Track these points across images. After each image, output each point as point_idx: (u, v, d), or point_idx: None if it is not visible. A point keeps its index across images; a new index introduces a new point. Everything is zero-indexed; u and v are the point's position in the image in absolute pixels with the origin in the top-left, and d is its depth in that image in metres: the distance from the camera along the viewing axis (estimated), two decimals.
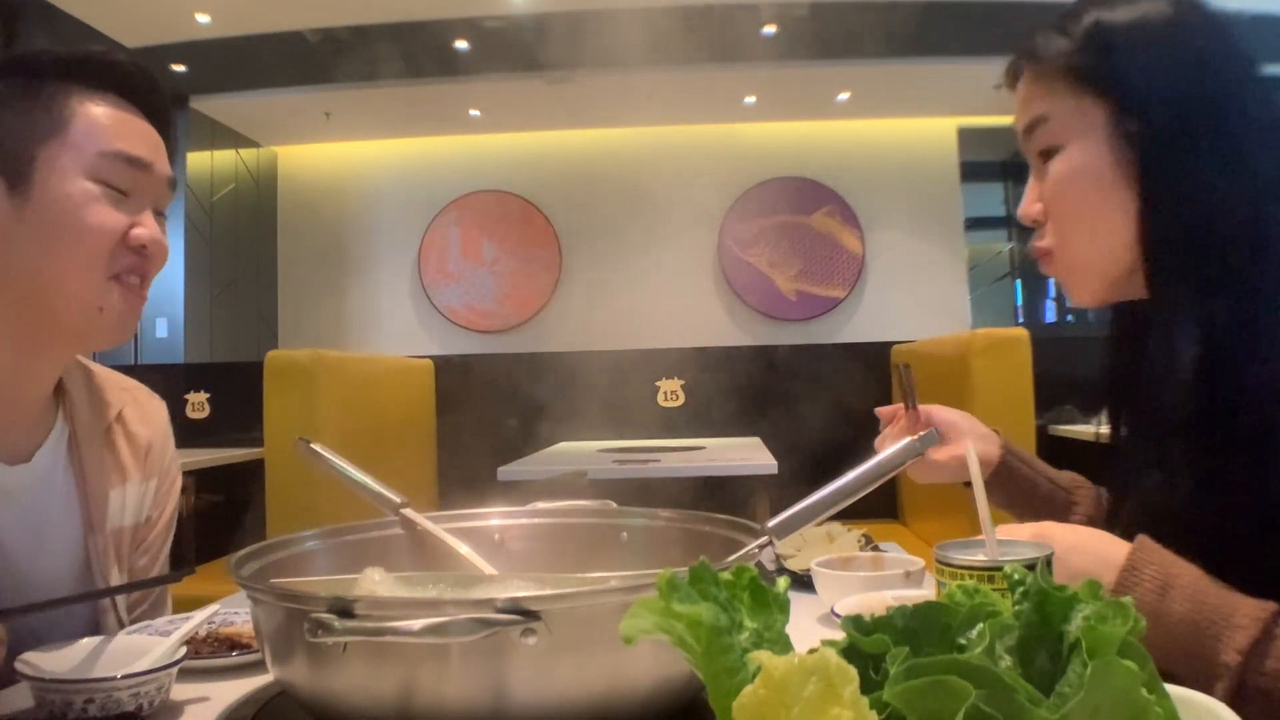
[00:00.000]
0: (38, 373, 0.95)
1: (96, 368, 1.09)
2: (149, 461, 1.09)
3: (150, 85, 0.96)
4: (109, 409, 1.06)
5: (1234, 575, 0.73)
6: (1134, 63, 0.80)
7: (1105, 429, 0.99)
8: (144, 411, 1.11)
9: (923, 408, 1.12)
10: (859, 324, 6.19)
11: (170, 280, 5.65)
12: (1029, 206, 0.88)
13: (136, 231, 0.90)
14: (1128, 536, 0.88)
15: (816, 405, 3.96)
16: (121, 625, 1.01)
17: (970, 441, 1.03)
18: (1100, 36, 0.82)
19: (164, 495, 1.12)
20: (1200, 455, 0.77)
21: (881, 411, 1.14)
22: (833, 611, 1.02)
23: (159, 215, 0.96)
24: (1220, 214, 0.77)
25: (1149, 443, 0.85)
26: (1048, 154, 0.85)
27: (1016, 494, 1.10)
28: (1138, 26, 0.81)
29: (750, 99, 5.94)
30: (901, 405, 1.12)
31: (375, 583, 0.77)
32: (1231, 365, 0.75)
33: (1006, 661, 0.38)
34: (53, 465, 0.97)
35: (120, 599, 1.02)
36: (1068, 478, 1.11)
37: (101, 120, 0.90)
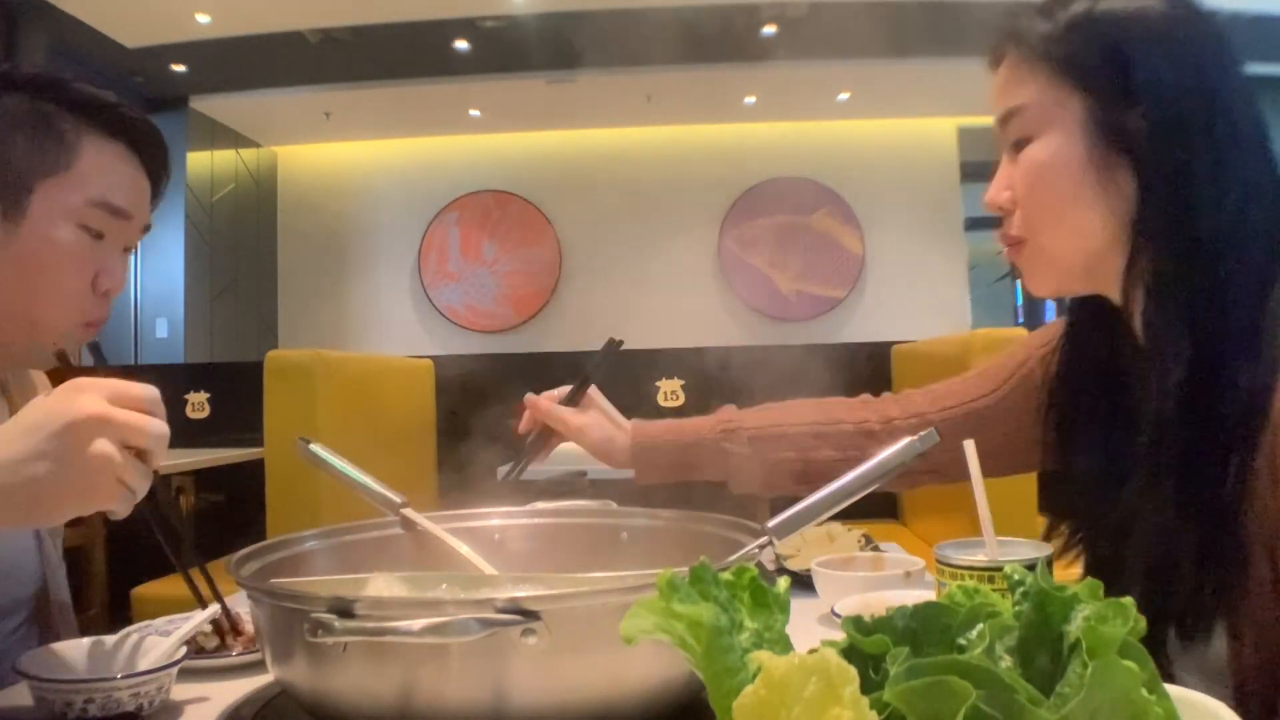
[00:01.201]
0: None
1: None
2: None
3: (156, 141, 1.01)
4: (32, 389, 1.11)
5: (1197, 580, 0.73)
6: (1119, 57, 0.78)
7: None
8: (42, 381, 1.15)
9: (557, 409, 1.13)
10: (859, 324, 6.19)
11: (170, 280, 5.65)
12: (997, 194, 0.87)
13: (102, 279, 0.96)
14: (1098, 544, 0.87)
15: None
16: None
17: (972, 441, 1.02)
18: (1086, 27, 0.80)
19: None
20: (1182, 461, 0.75)
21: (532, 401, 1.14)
22: (833, 611, 1.02)
23: (125, 251, 1.02)
24: (1209, 217, 0.75)
25: (1114, 447, 0.84)
26: (1021, 143, 0.84)
27: (670, 458, 1.13)
28: (1126, 19, 0.79)
29: (750, 99, 5.94)
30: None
31: (375, 584, 0.78)
32: (1219, 372, 0.73)
33: (1006, 661, 0.38)
34: None
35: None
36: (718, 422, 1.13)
37: (102, 169, 0.95)
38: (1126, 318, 0.83)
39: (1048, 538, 0.91)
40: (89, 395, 0.67)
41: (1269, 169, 0.78)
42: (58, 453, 0.65)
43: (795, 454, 1.09)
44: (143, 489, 0.69)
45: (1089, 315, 0.89)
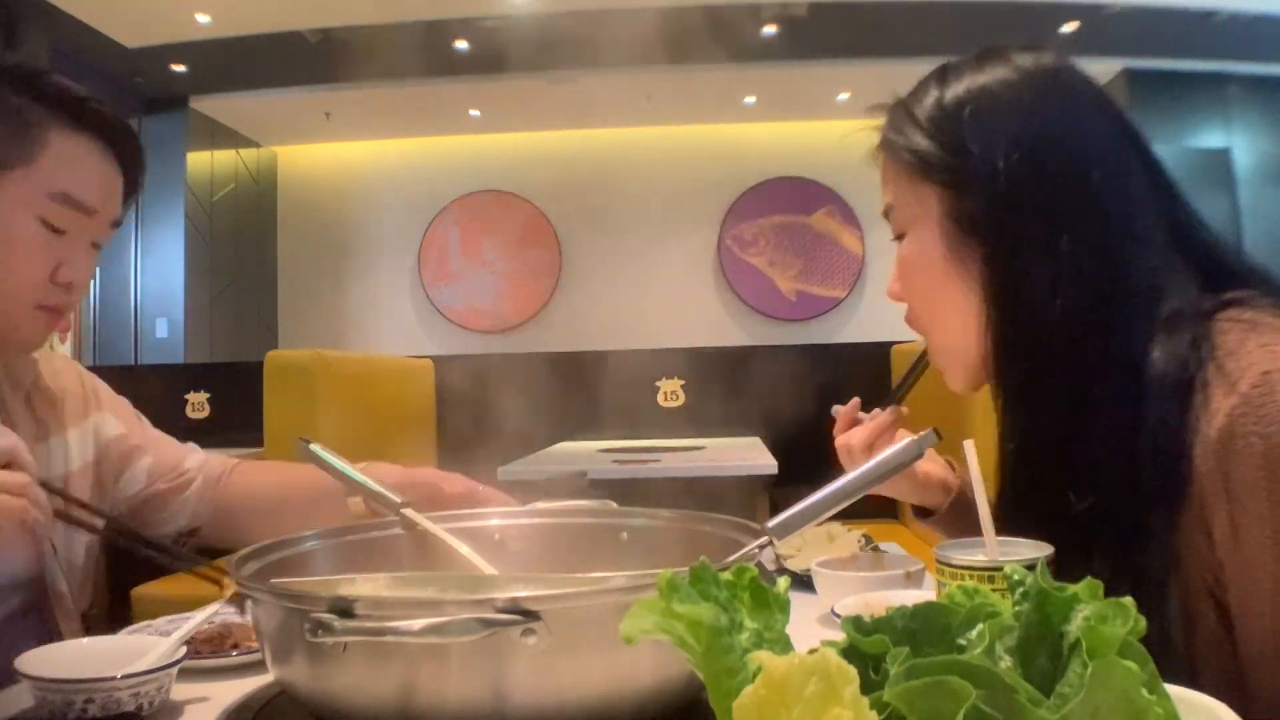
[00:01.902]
0: None
1: None
2: (66, 412, 1.14)
3: (128, 137, 1.02)
4: (25, 375, 1.11)
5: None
6: (960, 147, 0.77)
7: None
8: (53, 370, 1.16)
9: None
10: (859, 324, 6.19)
11: (170, 280, 5.65)
12: (891, 285, 0.88)
13: (63, 271, 0.97)
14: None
15: (816, 405, 3.95)
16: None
17: (971, 441, 1.02)
18: (933, 120, 0.79)
19: (121, 423, 1.18)
20: (1098, 546, 0.74)
21: (839, 410, 1.07)
22: (833, 612, 1.02)
23: (95, 246, 1.03)
24: (1048, 297, 0.73)
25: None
26: (899, 236, 0.85)
27: (971, 527, 1.08)
28: (968, 102, 0.78)
29: (750, 99, 5.94)
30: (856, 402, 1.06)
31: (375, 583, 0.78)
32: (1063, 451, 0.73)
33: (1006, 661, 0.38)
34: None
35: (68, 587, 1.07)
36: None
37: (66, 163, 0.96)
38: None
39: None
40: None
41: (1137, 226, 0.74)
42: None
43: None
44: (17, 485, 0.77)
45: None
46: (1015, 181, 0.74)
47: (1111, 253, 0.73)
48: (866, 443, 1.01)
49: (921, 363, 1.02)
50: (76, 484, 1.11)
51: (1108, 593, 0.72)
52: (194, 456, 1.26)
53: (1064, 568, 0.76)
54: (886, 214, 0.86)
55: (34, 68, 0.97)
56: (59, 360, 1.18)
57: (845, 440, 1.02)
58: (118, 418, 1.19)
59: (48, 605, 1.04)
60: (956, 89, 0.79)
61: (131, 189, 1.04)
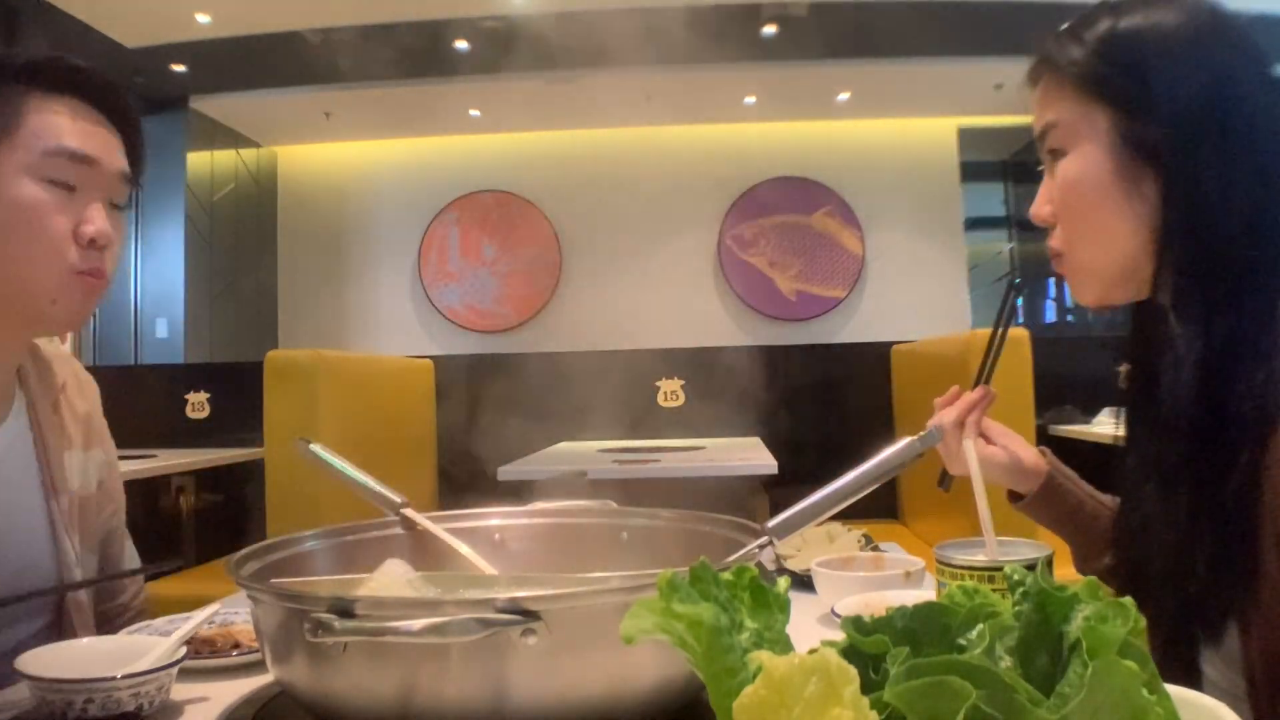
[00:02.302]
0: (3, 352, 1.01)
1: (41, 341, 1.12)
2: (89, 431, 1.14)
3: (108, 87, 0.99)
4: (56, 379, 1.11)
5: (1213, 578, 0.74)
6: (1139, 72, 0.82)
7: (1112, 429, 0.99)
8: (80, 384, 1.16)
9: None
10: (859, 324, 6.19)
11: (170, 280, 5.65)
12: (1039, 207, 0.91)
13: (83, 228, 0.94)
14: (1124, 541, 0.88)
15: (816, 405, 3.95)
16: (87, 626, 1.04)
17: (972, 439, 1.03)
18: (1108, 45, 0.84)
19: (111, 469, 1.18)
20: (1195, 460, 0.77)
21: (939, 400, 1.10)
22: (833, 611, 1.02)
23: (115, 208, 1.00)
24: (1223, 222, 0.78)
25: (1151, 446, 0.86)
26: (1056, 155, 0.87)
27: (1062, 511, 1.08)
28: (1146, 34, 0.83)
29: (750, 99, 5.94)
30: (956, 389, 1.08)
31: (386, 579, 0.78)
32: (1232, 373, 0.75)
33: (1006, 661, 0.38)
34: (15, 433, 1.02)
35: (87, 595, 1.06)
36: (1110, 498, 1.10)
37: (49, 120, 0.94)
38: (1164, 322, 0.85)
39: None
40: None
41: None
42: None
43: None
44: None
45: (1144, 322, 0.92)
46: (1194, 111, 0.79)
47: (1267, 186, 0.79)
48: (958, 420, 1.05)
49: (999, 341, 1.05)
50: (89, 508, 1.10)
51: (1185, 523, 0.74)
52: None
53: (1196, 490, 0.78)
54: (1042, 135, 0.88)
55: (5, 53, 0.96)
56: (88, 379, 1.18)
57: (938, 419, 1.06)
58: (109, 460, 1.18)
59: (68, 617, 1.03)
60: (1133, 20, 0.84)
61: (132, 142, 1.01)
